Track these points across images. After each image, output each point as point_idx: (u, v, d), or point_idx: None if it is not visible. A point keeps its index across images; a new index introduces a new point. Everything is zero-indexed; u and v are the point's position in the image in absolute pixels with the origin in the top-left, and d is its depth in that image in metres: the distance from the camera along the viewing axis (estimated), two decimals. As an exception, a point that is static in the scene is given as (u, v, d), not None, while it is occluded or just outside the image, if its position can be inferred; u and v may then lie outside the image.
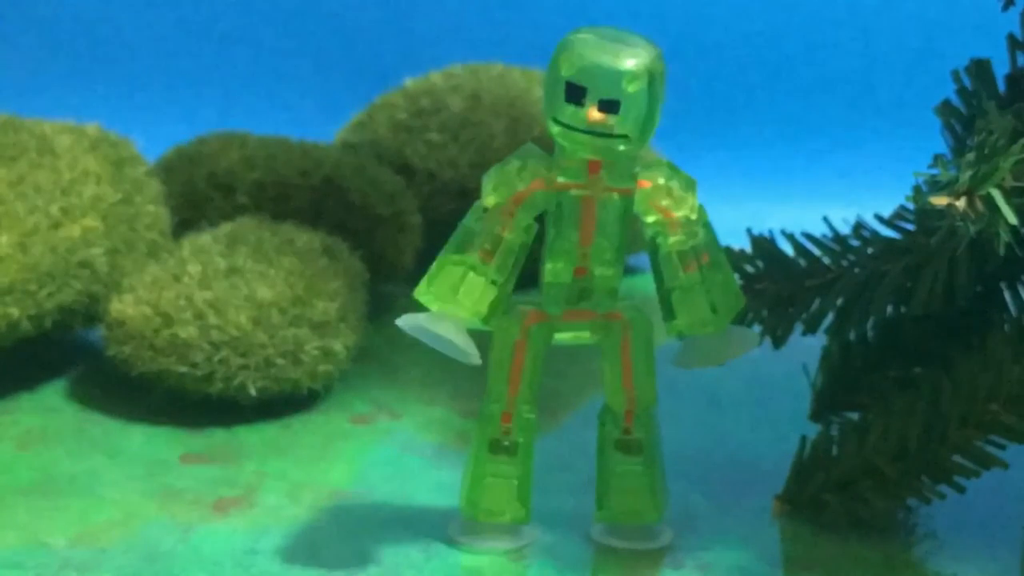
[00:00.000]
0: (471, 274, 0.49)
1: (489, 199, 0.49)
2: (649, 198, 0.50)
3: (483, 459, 0.52)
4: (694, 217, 0.50)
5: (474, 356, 0.49)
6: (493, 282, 0.50)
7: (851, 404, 0.58)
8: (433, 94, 0.86)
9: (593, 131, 0.47)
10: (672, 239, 0.50)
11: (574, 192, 0.49)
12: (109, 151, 0.71)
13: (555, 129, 0.48)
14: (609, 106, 0.47)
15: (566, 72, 0.47)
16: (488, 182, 0.49)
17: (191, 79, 1.16)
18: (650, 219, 0.50)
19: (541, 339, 0.52)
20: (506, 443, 0.52)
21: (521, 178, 0.49)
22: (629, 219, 0.50)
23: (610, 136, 0.47)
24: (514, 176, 0.49)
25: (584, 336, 0.52)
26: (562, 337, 0.52)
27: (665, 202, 0.49)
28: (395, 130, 0.86)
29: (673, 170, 0.50)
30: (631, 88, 0.47)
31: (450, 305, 0.49)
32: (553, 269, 0.50)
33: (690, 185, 0.50)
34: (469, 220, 0.50)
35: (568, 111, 0.47)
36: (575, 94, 0.47)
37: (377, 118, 0.87)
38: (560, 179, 0.49)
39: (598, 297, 0.51)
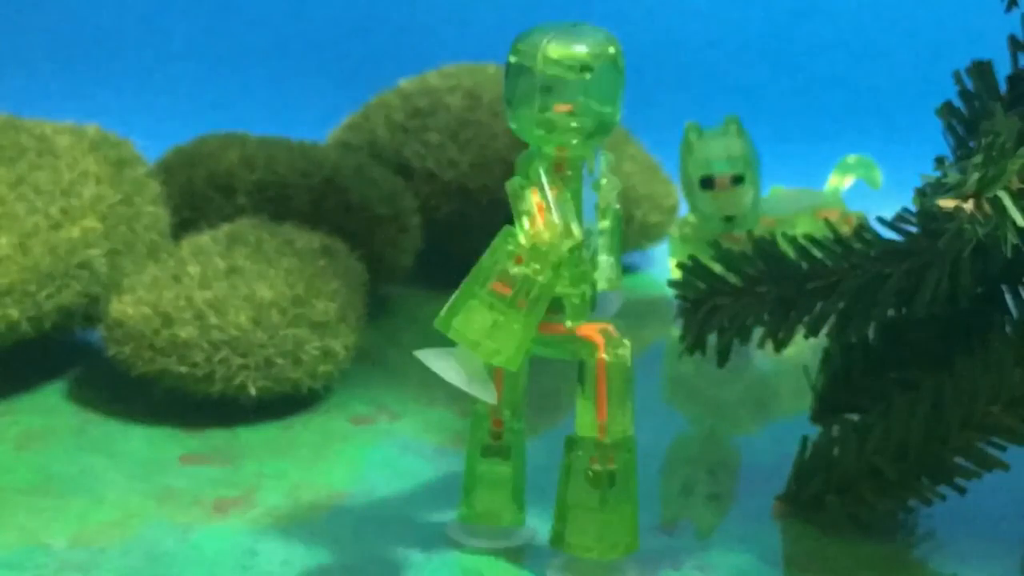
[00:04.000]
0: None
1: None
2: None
3: (476, 462, 0.52)
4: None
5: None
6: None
7: (852, 406, 0.58)
8: (431, 94, 0.86)
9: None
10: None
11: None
12: (109, 152, 0.71)
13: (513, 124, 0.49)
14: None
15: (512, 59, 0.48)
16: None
17: (191, 79, 1.16)
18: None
19: None
20: (497, 446, 0.52)
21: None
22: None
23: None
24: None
25: (559, 352, 0.50)
26: (537, 351, 0.50)
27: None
28: (392, 131, 0.86)
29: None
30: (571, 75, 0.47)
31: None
32: None
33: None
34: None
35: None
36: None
37: (373, 119, 0.87)
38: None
39: (569, 308, 0.49)
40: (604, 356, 0.49)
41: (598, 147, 0.49)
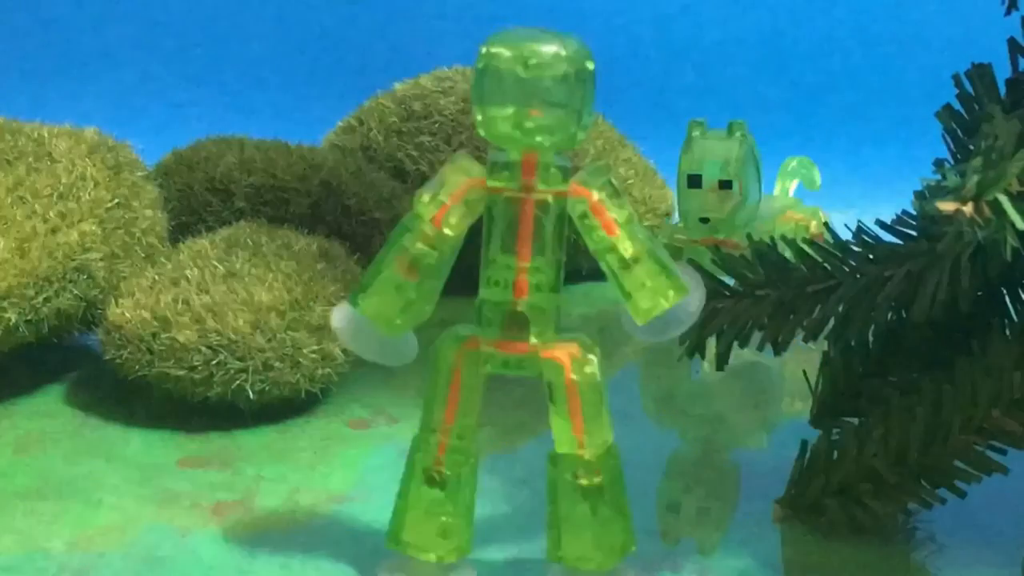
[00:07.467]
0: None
1: (424, 206, 0.48)
2: (584, 206, 0.47)
3: (411, 489, 0.50)
4: (622, 220, 0.48)
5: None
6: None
7: (852, 409, 0.58)
8: (425, 97, 0.86)
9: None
10: (608, 240, 0.48)
11: (508, 195, 0.47)
12: (107, 155, 0.71)
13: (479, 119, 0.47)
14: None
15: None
16: (423, 191, 0.48)
17: (188, 84, 1.16)
18: (584, 221, 0.48)
19: (476, 366, 0.49)
20: (437, 475, 0.49)
21: (455, 179, 0.48)
22: (564, 230, 0.48)
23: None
24: (449, 177, 0.48)
25: (524, 371, 0.49)
26: (499, 370, 0.49)
27: (608, 215, 0.48)
28: (387, 134, 0.86)
29: (606, 179, 0.48)
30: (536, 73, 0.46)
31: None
32: (487, 284, 0.48)
33: (620, 193, 0.48)
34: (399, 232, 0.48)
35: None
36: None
37: (368, 122, 0.87)
38: (493, 183, 0.47)
39: (534, 325, 0.48)
40: (572, 376, 0.48)
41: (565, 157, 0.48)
